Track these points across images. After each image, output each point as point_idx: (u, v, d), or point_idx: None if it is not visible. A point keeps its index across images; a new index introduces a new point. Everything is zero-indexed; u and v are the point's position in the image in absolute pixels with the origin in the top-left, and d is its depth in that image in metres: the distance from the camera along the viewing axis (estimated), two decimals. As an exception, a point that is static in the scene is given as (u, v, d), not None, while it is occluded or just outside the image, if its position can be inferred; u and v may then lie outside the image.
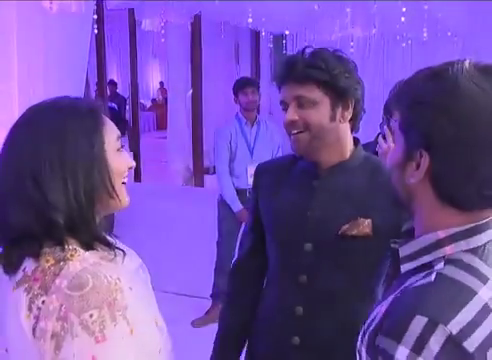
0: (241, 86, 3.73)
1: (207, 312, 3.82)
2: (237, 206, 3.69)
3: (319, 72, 1.36)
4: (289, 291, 1.47)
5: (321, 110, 1.38)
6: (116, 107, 8.98)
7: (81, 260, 0.99)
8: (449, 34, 5.28)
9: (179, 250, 4.22)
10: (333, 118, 1.39)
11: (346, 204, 1.40)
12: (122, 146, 1.11)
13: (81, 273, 0.96)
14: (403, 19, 4.47)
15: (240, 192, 3.70)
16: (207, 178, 6.04)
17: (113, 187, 1.06)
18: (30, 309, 0.96)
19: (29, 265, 1.00)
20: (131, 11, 5.78)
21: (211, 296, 3.85)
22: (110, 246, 1.06)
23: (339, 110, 1.40)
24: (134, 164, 1.15)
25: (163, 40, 6.03)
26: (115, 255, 1.05)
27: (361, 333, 0.89)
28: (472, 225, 0.85)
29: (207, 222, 4.10)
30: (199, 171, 5.94)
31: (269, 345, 1.52)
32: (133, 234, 4.26)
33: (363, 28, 5.62)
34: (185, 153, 6.19)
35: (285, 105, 1.42)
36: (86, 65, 3.39)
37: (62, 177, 1.00)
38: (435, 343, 0.75)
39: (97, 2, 4.17)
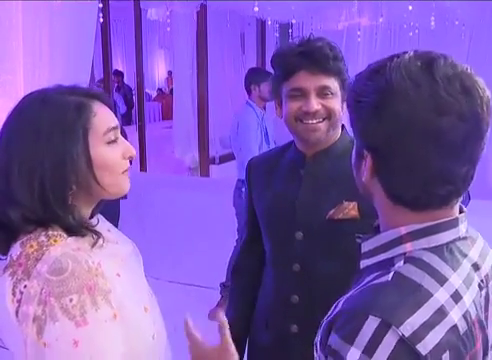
0: (268, 76, 3.52)
1: (218, 304, 3.75)
2: None
3: (342, 65, 1.42)
4: (284, 280, 1.49)
5: (337, 100, 1.43)
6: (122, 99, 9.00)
7: (63, 245, 1.00)
8: (457, 23, 5.23)
9: (185, 240, 4.23)
10: (342, 108, 1.44)
11: (332, 189, 1.42)
12: (115, 139, 1.09)
13: (61, 258, 0.97)
14: (410, 8, 4.44)
15: None
16: (213, 168, 6.04)
17: (97, 181, 1.05)
18: (14, 293, 0.98)
19: (15, 251, 1.02)
20: (137, 0, 5.75)
21: (221, 285, 3.80)
22: (93, 233, 1.06)
23: (344, 101, 1.44)
24: (133, 153, 1.13)
25: (169, 29, 5.99)
26: (97, 240, 1.04)
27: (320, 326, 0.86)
28: (432, 223, 0.82)
29: (213, 212, 4.10)
30: (205, 161, 5.94)
31: (269, 334, 1.54)
32: (139, 224, 4.29)
33: (370, 17, 5.58)
34: (191, 143, 6.18)
35: (299, 92, 1.41)
36: (92, 55, 3.38)
37: (29, 171, 1.01)
38: (387, 345, 0.72)
39: (102, -9, 4.15)
